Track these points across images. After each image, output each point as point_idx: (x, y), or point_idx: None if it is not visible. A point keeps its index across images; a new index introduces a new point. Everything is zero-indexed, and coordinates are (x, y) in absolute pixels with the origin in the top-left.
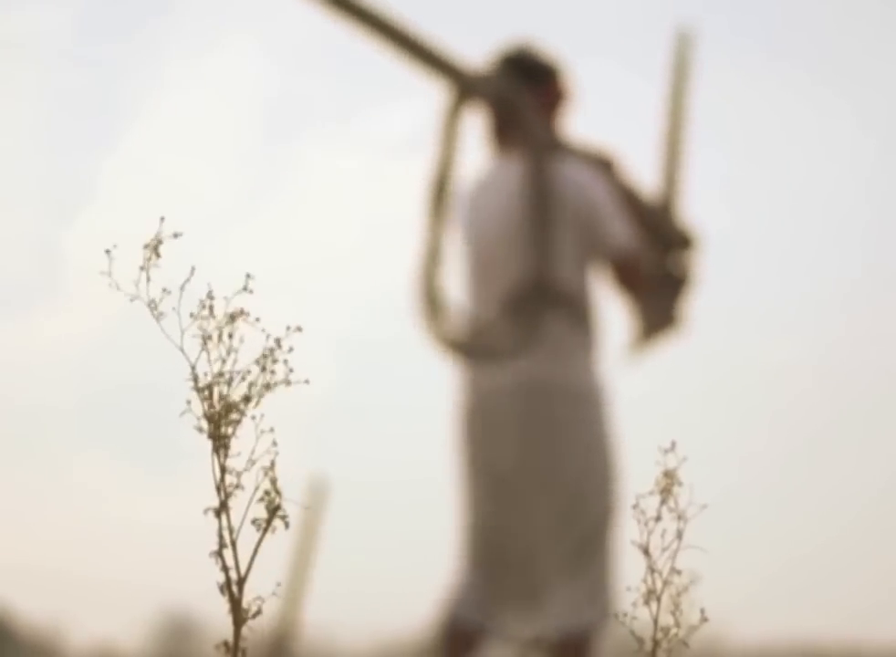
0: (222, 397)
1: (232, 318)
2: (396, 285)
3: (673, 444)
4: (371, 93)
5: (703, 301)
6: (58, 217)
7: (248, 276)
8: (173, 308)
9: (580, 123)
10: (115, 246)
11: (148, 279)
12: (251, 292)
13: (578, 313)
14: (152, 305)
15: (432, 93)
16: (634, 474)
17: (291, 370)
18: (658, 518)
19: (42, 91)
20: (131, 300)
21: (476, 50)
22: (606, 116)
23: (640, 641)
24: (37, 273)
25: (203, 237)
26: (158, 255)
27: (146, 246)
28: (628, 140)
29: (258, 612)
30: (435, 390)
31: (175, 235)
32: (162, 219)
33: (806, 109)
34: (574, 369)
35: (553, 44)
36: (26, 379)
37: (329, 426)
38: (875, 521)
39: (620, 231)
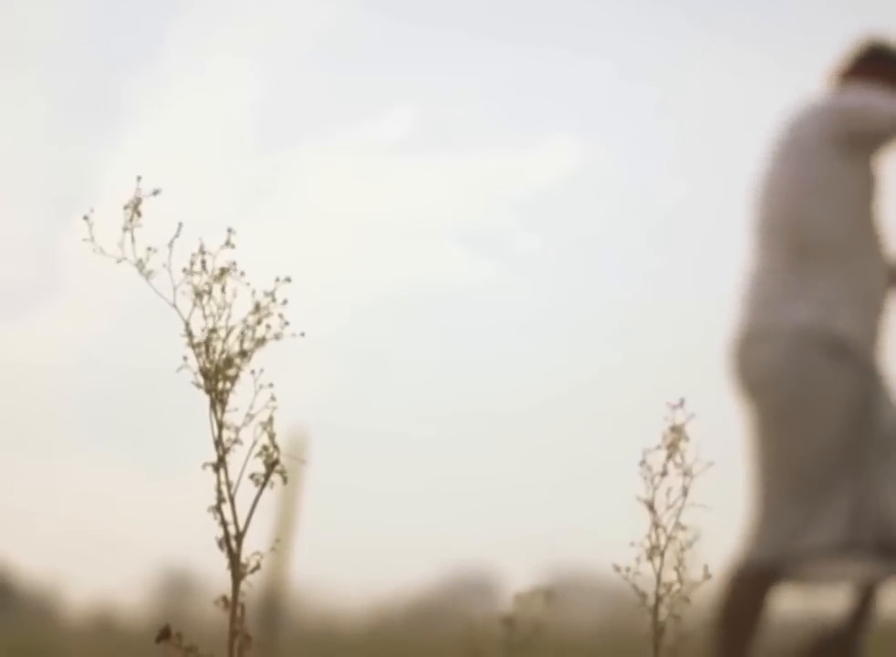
0: (217, 352)
1: (222, 272)
2: (393, 281)
3: (682, 401)
4: (371, 95)
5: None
6: (58, 217)
7: (230, 230)
8: (164, 265)
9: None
10: (92, 211)
11: (133, 239)
12: (233, 246)
13: None
14: (140, 265)
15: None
16: (643, 428)
17: (287, 323)
18: (664, 474)
19: (42, 91)
20: (118, 262)
21: None
22: (602, 116)
23: (643, 595)
24: (37, 273)
25: (203, 238)
26: (139, 214)
27: (126, 207)
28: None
29: (257, 567)
30: (439, 351)
31: (155, 193)
32: (139, 178)
33: (759, 81)
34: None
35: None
36: (24, 378)
37: (334, 378)
38: None
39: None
